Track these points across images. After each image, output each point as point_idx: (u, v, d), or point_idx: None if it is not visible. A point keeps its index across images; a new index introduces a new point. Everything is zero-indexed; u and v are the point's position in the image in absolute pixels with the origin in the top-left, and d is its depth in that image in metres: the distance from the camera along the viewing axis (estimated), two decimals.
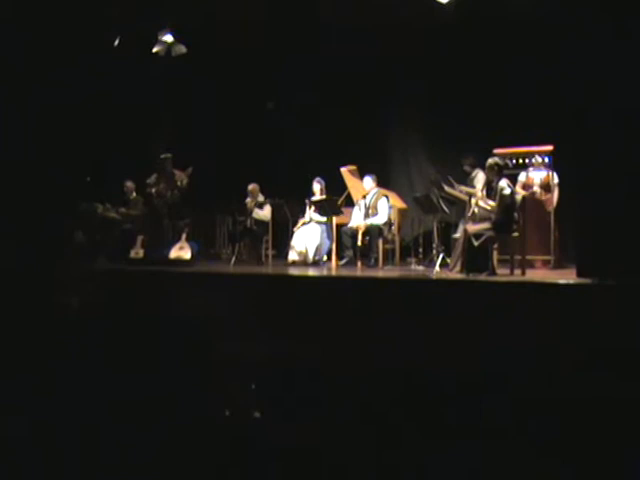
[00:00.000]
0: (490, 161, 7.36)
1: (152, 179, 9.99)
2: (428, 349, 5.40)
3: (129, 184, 10.39)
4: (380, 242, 8.62)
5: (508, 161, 8.01)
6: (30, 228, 7.74)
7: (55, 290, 6.68)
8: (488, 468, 3.40)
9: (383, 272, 8.12)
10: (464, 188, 8.27)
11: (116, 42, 9.63)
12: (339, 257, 9.01)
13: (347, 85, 9.99)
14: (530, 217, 7.76)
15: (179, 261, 9.03)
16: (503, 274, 6.99)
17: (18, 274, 6.75)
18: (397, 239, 9.05)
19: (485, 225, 7.14)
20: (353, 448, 3.67)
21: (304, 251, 9.28)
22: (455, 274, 7.29)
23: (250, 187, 9.65)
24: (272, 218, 9.48)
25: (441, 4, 8.55)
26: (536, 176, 8.30)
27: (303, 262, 9.21)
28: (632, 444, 3.60)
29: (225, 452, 3.66)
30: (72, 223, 9.17)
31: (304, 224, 9.50)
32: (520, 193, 7.79)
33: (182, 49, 9.92)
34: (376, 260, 8.57)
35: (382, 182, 9.25)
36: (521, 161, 8.40)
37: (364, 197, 9.00)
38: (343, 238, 9.00)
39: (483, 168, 7.87)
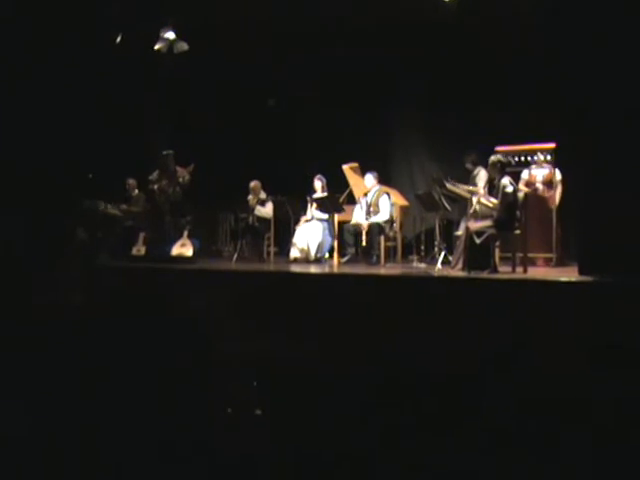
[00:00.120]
0: (493, 158, 7.36)
1: (154, 176, 9.98)
2: (430, 347, 5.39)
3: (131, 181, 10.41)
4: (382, 240, 8.61)
5: (510, 158, 8.00)
6: (31, 226, 7.74)
7: (56, 288, 6.68)
8: (488, 468, 3.40)
9: (385, 270, 8.11)
10: (466, 186, 8.27)
11: (118, 39, 9.61)
12: (341, 254, 9.01)
13: (349, 83, 9.99)
14: (532, 215, 7.75)
15: (181, 258, 9.03)
16: (505, 272, 6.98)
17: (19, 272, 6.76)
18: (399, 237, 9.05)
19: (487, 223, 7.13)
20: (353, 448, 3.67)
21: (306, 248, 9.28)
22: (457, 272, 7.29)
23: (252, 184, 9.67)
24: (274, 215, 9.49)
25: (444, 2, 8.53)
26: (539, 173, 8.29)
27: (305, 259, 9.21)
28: (632, 444, 3.60)
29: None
30: (74, 220, 9.17)
31: (306, 221, 9.51)
32: (523, 190, 7.78)
33: (184, 46, 9.89)
34: (378, 257, 8.56)
35: (383, 179, 9.25)
36: (523, 159, 8.39)
37: (365, 195, 9.00)
38: (345, 235, 9.01)
39: (485, 166, 7.88)
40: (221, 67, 10.37)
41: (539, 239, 7.97)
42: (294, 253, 9.36)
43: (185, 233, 9.33)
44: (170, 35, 9.83)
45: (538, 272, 7.30)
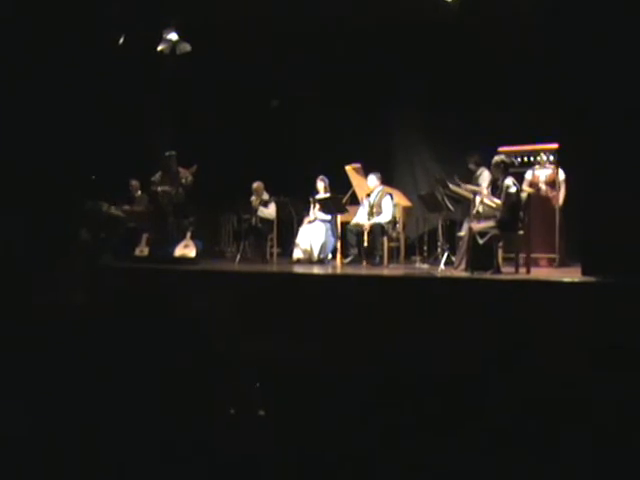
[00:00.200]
0: (496, 159, 7.34)
1: (157, 177, 9.98)
2: (433, 347, 5.39)
3: (134, 182, 10.41)
4: (385, 240, 8.60)
5: (513, 159, 7.98)
6: (32, 226, 7.75)
7: (57, 288, 6.68)
8: (488, 468, 3.39)
9: (388, 270, 8.10)
10: (469, 187, 8.26)
11: (121, 40, 9.63)
12: (344, 255, 9.00)
13: (349, 83, 9.98)
14: (535, 215, 7.73)
15: (184, 259, 9.04)
16: (508, 272, 6.96)
17: (19, 272, 6.77)
18: (402, 237, 9.04)
19: (490, 223, 7.12)
20: (353, 447, 3.66)
21: (309, 249, 9.28)
22: (460, 272, 7.28)
23: (255, 185, 9.66)
24: (277, 216, 9.49)
25: (446, 2, 8.52)
26: (542, 174, 8.27)
27: (308, 260, 9.21)
28: (632, 444, 3.58)
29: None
30: (77, 221, 9.19)
31: (309, 222, 9.50)
32: (526, 191, 7.76)
33: (187, 47, 9.90)
34: (381, 258, 8.55)
35: (386, 180, 9.24)
36: (526, 159, 8.38)
37: (368, 195, 8.99)
38: (348, 236, 9.00)
39: (488, 166, 7.86)
40: (221, 67, 10.37)
41: (542, 239, 7.95)
42: (297, 254, 9.35)
43: (188, 234, 9.34)
44: (173, 36, 9.85)
45: (541, 272, 7.28)
